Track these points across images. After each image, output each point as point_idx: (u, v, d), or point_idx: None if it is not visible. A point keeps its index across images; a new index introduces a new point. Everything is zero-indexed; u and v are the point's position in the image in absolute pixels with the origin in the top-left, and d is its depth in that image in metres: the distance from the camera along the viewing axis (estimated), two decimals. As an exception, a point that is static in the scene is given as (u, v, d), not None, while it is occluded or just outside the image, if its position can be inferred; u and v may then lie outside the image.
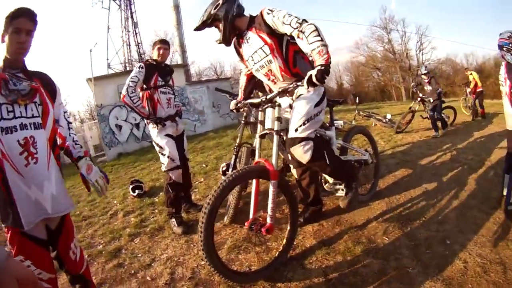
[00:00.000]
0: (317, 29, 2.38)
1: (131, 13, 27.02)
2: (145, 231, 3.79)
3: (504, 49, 3.16)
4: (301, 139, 2.57)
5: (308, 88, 2.35)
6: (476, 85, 10.73)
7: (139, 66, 3.74)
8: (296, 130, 2.60)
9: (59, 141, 2.15)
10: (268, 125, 2.62)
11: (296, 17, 2.48)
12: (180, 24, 18.06)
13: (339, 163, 2.90)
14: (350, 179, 3.01)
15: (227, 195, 2.45)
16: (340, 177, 3.03)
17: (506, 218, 3.16)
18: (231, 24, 2.76)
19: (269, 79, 2.85)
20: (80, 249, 2.20)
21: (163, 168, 3.80)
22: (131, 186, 5.38)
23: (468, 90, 10.94)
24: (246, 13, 2.85)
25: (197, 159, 6.99)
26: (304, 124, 2.59)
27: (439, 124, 7.77)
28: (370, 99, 35.19)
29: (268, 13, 2.61)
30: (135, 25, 27.36)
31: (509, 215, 3.14)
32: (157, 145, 3.79)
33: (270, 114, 2.62)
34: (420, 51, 38.41)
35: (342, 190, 3.09)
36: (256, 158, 2.70)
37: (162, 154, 3.77)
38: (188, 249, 3.18)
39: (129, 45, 27.36)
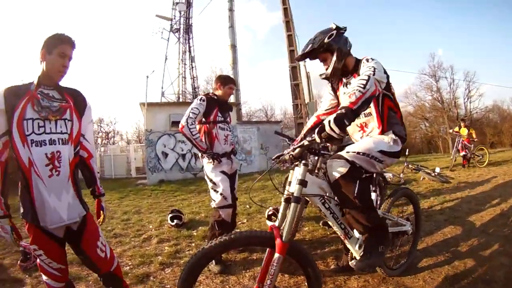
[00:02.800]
0: (368, 78, 2.29)
1: (189, 47, 28.92)
2: (178, 263, 3.77)
3: None
4: (344, 159, 2.48)
5: (321, 140, 2.13)
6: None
7: (201, 99, 3.82)
8: (348, 152, 2.52)
9: (84, 154, 2.38)
10: (291, 187, 2.38)
11: (373, 67, 2.42)
12: (236, 63, 19.40)
13: (368, 207, 2.56)
14: (376, 237, 2.57)
15: (220, 254, 2.46)
16: (365, 228, 2.52)
17: None
18: (344, 59, 2.71)
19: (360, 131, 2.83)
20: (109, 247, 2.40)
21: (213, 205, 3.81)
22: (170, 215, 5.46)
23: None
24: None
25: (241, 199, 7.12)
26: (358, 153, 2.50)
27: None
28: (416, 151, 34.56)
29: (363, 63, 2.58)
30: (192, 59, 29.11)
31: None
32: (211, 180, 3.80)
33: (296, 174, 2.39)
34: (468, 98, 38.10)
35: (361, 246, 2.60)
36: (276, 223, 2.34)
37: (215, 190, 3.78)
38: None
39: (185, 77, 29.02)
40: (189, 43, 28.92)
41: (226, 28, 20.30)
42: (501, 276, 3.18)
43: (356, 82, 2.30)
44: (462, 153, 11.57)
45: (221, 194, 3.72)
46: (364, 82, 2.25)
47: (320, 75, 2.88)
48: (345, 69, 2.75)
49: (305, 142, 2.31)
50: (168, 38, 29.04)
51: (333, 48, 2.65)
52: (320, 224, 4.91)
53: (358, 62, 2.72)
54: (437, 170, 9.24)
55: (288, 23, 16.98)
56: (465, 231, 4.58)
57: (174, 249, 4.21)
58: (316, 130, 2.12)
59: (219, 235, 3.17)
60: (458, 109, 37.89)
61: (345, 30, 2.72)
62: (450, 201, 6.57)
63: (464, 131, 12.13)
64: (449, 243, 4.15)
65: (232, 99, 17.75)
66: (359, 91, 2.20)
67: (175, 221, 5.34)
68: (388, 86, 2.65)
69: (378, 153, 2.53)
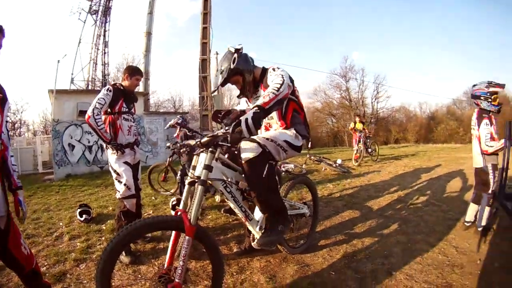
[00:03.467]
0: (282, 82, 2.53)
1: (105, 31, 26.66)
2: (91, 258, 3.73)
3: (482, 98, 3.93)
4: (257, 142, 2.67)
5: (234, 134, 2.32)
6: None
7: (107, 89, 3.79)
8: (258, 136, 2.76)
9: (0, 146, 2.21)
10: (197, 171, 2.54)
11: (282, 74, 2.67)
12: (149, 51, 18.51)
13: (273, 189, 2.83)
14: (276, 217, 2.84)
15: (131, 242, 2.50)
16: (268, 207, 2.81)
17: (481, 235, 3.88)
18: (252, 74, 2.98)
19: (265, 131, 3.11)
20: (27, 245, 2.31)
21: (118, 196, 3.82)
22: (78, 210, 5.31)
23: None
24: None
25: (147, 191, 6.98)
26: (267, 139, 2.76)
27: None
28: (322, 144, 36.52)
29: (270, 72, 2.84)
30: (105, 44, 26.94)
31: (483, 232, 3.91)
32: (115, 171, 3.83)
33: (201, 159, 2.55)
34: (376, 99, 41.02)
35: (261, 228, 2.90)
36: (180, 206, 2.51)
37: (119, 181, 3.80)
38: (135, 279, 3.16)
39: (96, 63, 26.76)
40: (105, 26, 26.81)
41: (145, 14, 19.38)
42: (398, 251, 3.56)
43: (271, 85, 2.56)
44: (355, 148, 11.84)
45: (124, 184, 3.77)
46: (278, 85, 2.50)
47: (238, 96, 3.19)
48: (255, 81, 3.01)
49: (219, 133, 2.47)
50: (85, 20, 26.62)
51: (240, 70, 2.90)
52: (222, 211, 5.07)
53: (264, 71, 2.98)
54: (339, 161, 9.77)
55: (206, 15, 16.47)
56: (363, 215, 4.91)
57: (85, 244, 4.17)
58: (232, 125, 2.28)
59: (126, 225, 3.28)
60: (365, 108, 40.82)
61: (242, 48, 2.96)
62: (350, 188, 6.97)
63: (359, 126, 12.32)
64: (347, 226, 4.42)
65: (141, 88, 17.10)
66: (273, 93, 2.45)
67: (84, 216, 5.23)
68: (293, 91, 2.94)
69: (284, 142, 2.83)
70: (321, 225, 4.40)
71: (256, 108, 2.34)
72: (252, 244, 2.94)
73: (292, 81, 2.77)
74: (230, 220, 4.69)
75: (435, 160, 12.11)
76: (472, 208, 4.17)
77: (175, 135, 6.72)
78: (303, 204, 3.61)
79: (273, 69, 2.82)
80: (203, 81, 16.51)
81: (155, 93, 36.62)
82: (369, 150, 12.00)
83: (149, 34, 18.86)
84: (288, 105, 2.94)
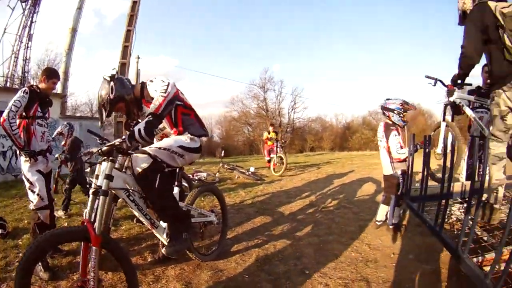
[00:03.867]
0: (168, 84, 2.67)
1: (31, 22, 23.92)
2: (11, 276, 3.43)
3: (395, 112, 4.29)
4: (147, 153, 2.69)
5: (131, 144, 2.44)
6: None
7: (24, 91, 3.56)
8: (151, 147, 2.76)
9: None
10: (99, 181, 2.47)
11: (163, 80, 2.74)
12: (72, 49, 17.16)
13: (168, 197, 2.88)
14: (177, 225, 2.87)
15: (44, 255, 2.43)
16: (166, 216, 2.84)
17: (393, 232, 4.21)
18: (132, 94, 2.96)
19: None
20: None
21: (31, 207, 3.59)
22: None
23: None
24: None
25: (60, 202, 6.48)
26: (160, 148, 2.76)
27: None
28: (238, 153, 36.87)
29: (149, 85, 2.84)
30: (29, 37, 24.17)
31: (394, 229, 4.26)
32: (28, 180, 3.59)
33: (103, 168, 2.49)
34: (292, 109, 42.29)
35: (168, 234, 2.88)
36: (85, 216, 2.39)
37: (32, 191, 3.57)
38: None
39: (17, 58, 24.05)
40: (32, 17, 24.29)
41: (74, 8, 18.04)
42: (311, 252, 3.68)
43: (158, 90, 2.64)
44: (267, 158, 11.82)
45: (38, 194, 3.54)
46: (165, 87, 2.64)
47: (128, 123, 3.17)
48: (137, 99, 3.01)
49: (116, 142, 2.47)
50: (14, 7, 23.86)
51: (120, 97, 2.89)
52: (135, 221, 4.78)
53: (143, 86, 2.98)
54: (251, 169, 9.91)
55: (132, 18, 15.74)
56: (275, 220, 5.00)
57: (3, 262, 3.81)
58: (128, 135, 2.41)
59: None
60: (282, 118, 42.11)
61: (117, 72, 2.96)
62: (262, 195, 7.05)
63: (273, 135, 12.15)
64: (259, 231, 4.46)
65: (58, 89, 15.77)
66: (162, 96, 2.59)
67: (0, 231, 4.74)
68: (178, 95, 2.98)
69: (179, 148, 2.86)
70: (233, 232, 4.40)
71: (149, 116, 2.47)
72: (162, 251, 2.94)
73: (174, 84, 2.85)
74: (144, 230, 4.54)
75: (349, 166, 12.76)
76: (383, 209, 4.47)
77: (62, 143, 6.32)
78: (210, 212, 3.67)
79: (151, 80, 2.86)
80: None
81: (73, 95, 34.18)
82: (282, 159, 11.41)
83: (74, 30, 17.47)
84: (176, 111, 2.99)
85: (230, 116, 43.24)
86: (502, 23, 2.49)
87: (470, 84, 3.86)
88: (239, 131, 43.53)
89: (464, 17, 3.00)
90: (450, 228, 2.96)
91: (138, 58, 16.21)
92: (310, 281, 3.00)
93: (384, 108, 4.43)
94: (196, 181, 8.04)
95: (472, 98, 3.78)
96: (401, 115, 4.31)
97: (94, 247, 2.17)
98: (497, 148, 2.70)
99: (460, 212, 3.22)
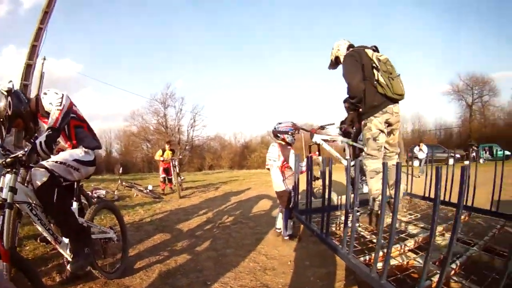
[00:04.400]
0: (62, 96, 2.80)
1: None
2: None
3: (289, 133, 4.88)
4: (45, 168, 2.67)
5: (32, 157, 2.52)
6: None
7: None
8: (48, 161, 2.74)
9: None
10: (3, 193, 2.41)
11: (55, 92, 2.84)
12: None
13: (66, 212, 2.84)
14: (80, 240, 2.87)
15: None
16: (66, 231, 2.83)
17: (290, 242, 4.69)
18: (29, 107, 2.91)
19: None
20: None
21: None
22: None
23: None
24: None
25: None
26: (56, 162, 2.77)
27: None
28: (137, 170, 35.84)
29: (44, 97, 2.87)
30: None
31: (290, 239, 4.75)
32: None
33: (7, 181, 2.44)
34: (192, 127, 42.56)
35: (71, 250, 2.85)
36: None
37: None
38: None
39: None
40: None
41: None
42: (211, 265, 3.86)
43: (53, 103, 2.75)
44: (162, 176, 11.04)
45: None
46: (60, 100, 2.75)
47: (23, 140, 3.26)
48: (33, 114, 2.99)
49: (19, 154, 2.48)
50: None
51: (18, 112, 2.81)
52: (38, 240, 4.55)
53: (37, 99, 2.98)
54: (150, 187, 9.89)
55: (46, 15, 14.21)
56: (174, 236, 5.11)
57: None
58: (29, 148, 2.47)
59: None
60: (181, 135, 42.09)
61: (13, 85, 2.81)
62: (160, 213, 7.12)
63: (168, 154, 11.45)
64: (159, 247, 4.53)
65: None
66: (57, 109, 2.69)
67: None
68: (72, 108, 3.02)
69: (74, 161, 2.91)
70: (135, 249, 4.42)
71: (48, 130, 2.58)
72: (68, 268, 2.92)
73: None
74: (48, 250, 4.34)
75: (246, 184, 13.37)
76: (280, 221, 4.96)
77: None
78: (109, 229, 3.67)
79: (45, 93, 2.90)
80: (24, 88, 14.19)
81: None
82: (180, 178, 10.66)
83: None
84: (69, 124, 2.99)
85: (130, 131, 42.27)
86: (378, 65, 3.24)
87: (333, 123, 5.17)
88: (138, 147, 42.68)
89: (336, 63, 3.79)
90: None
91: (44, 59, 14.93)
92: None
93: (278, 132, 4.95)
94: (95, 199, 7.85)
95: (326, 137, 4.87)
96: (294, 136, 4.96)
97: (4, 263, 2.06)
98: (373, 164, 3.28)
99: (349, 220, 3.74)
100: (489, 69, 61.99)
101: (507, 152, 23.89)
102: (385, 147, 3.46)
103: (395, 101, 3.33)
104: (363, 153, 3.45)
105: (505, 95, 53.09)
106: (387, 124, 3.37)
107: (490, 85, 43.45)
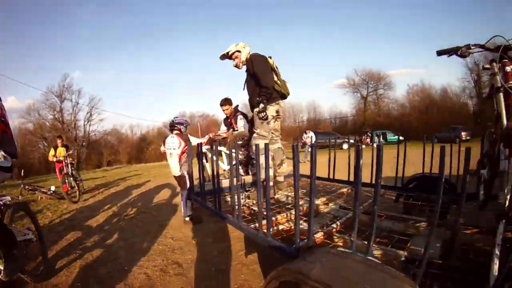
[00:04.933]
0: None
1: None
2: None
3: (184, 125, 5.88)
4: None
5: None
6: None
7: None
8: None
9: None
10: None
11: None
12: None
13: None
14: (5, 245, 2.85)
15: None
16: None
17: (192, 223, 5.42)
18: None
19: None
20: None
21: None
22: None
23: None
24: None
25: None
26: None
27: None
28: (35, 172, 33.34)
29: None
30: None
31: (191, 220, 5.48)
32: None
33: None
34: (88, 122, 40.52)
35: (1, 256, 2.83)
36: None
37: None
38: None
39: None
40: None
41: None
42: (123, 253, 4.31)
43: None
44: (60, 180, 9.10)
45: None
46: None
47: None
48: None
49: None
50: None
51: None
52: None
53: None
54: (52, 188, 9.58)
55: None
56: (85, 233, 5.41)
57: None
58: None
59: None
60: (77, 131, 40.09)
61: None
62: (67, 213, 7.25)
63: (61, 152, 10.12)
64: (74, 245, 4.80)
65: None
66: None
67: None
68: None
69: None
70: (52, 251, 4.56)
71: None
72: (0, 276, 2.85)
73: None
74: None
75: (146, 177, 13.98)
76: (183, 205, 5.60)
77: None
78: (27, 230, 3.71)
79: None
80: None
81: None
82: (78, 179, 9.56)
83: None
84: None
85: (25, 128, 38.82)
86: (276, 70, 4.14)
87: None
88: (35, 147, 39.04)
89: (229, 57, 4.33)
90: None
91: None
92: (131, 274, 3.60)
93: (175, 123, 5.79)
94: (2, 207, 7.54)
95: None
96: (187, 128, 5.98)
97: None
98: (262, 144, 3.76)
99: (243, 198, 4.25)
100: (387, 66, 70.00)
101: (396, 138, 27.05)
102: (272, 132, 4.22)
103: (284, 97, 4.22)
104: (255, 134, 4.13)
105: (401, 90, 60.21)
106: (277, 114, 4.15)
107: (385, 80, 48.92)
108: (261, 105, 3.96)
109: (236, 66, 4.34)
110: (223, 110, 6.15)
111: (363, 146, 5.85)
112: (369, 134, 29.54)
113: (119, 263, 3.95)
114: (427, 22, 64.73)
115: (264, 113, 3.89)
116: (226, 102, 6.06)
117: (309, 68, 73.43)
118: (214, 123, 44.60)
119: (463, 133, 24.66)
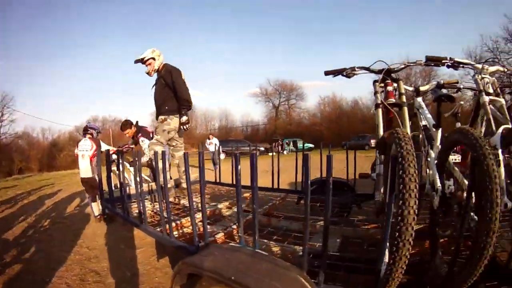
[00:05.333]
0: None
1: None
2: None
3: (96, 130, 6.61)
4: None
5: None
6: None
7: None
8: None
9: None
10: None
11: None
12: None
13: None
14: None
15: None
16: None
17: (106, 224, 5.98)
18: None
19: None
20: None
21: None
22: None
23: None
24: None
25: None
26: None
27: None
28: None
29: None
30: None
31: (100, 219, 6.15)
32: None
33: None
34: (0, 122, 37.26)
35: None
36: None
37: None
38: None
39: None
40: None
41: None
42: (42, 264, 4.33)
43: None
44: None
45: None
46: None
47: None
48: None
49: None
50: None
51: None
52: None
53: None
54: None
55: None
56: (3, 247, 5.16)
57: None
58: None
59: None
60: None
61: None
62: None
63: None
64: None
65: None
66: None
67: None
68: None
69: None
70: None
71: None
72: None
73: None
74: None
75: (58, 186, 13.66)
76: (94, 206, 6.16)
77: None
78: None
79: None
80: None
81: None
82: None
83: None
84: None
85: None
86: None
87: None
88: None
89: (143, 62, 4.64)
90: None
91: None
92: (52, 285, 3.68)
93: (89, 127, 6.48)
94: None
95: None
96: (98, 134, 6.69)
97: None
98: (159, 150, 4.18)
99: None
100: (300, 77, 72.95)
101: (310, 145, 29.34)
102: (176, 140, 4.82)
103: (190, 108, 4.71)
104: (154, 140, 4.70)
105: (312, 100, 63.18)
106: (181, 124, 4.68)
107: (298, 91, 52.05)
108: (185, 117, 4.50)
109: (148, 73, 4.66)
110: (125, 134, 6.76)
111: (274, 153, 6.56)
112: (280, 142, 30.82)
113: (40, 275, 3.97)
114: (343, 37, 68.95)
115: (188, 124, 4.43)
116: (125, 127, 6.69)
117: (225, 77, 74.90)
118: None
119: (372, 141, 26.67)
